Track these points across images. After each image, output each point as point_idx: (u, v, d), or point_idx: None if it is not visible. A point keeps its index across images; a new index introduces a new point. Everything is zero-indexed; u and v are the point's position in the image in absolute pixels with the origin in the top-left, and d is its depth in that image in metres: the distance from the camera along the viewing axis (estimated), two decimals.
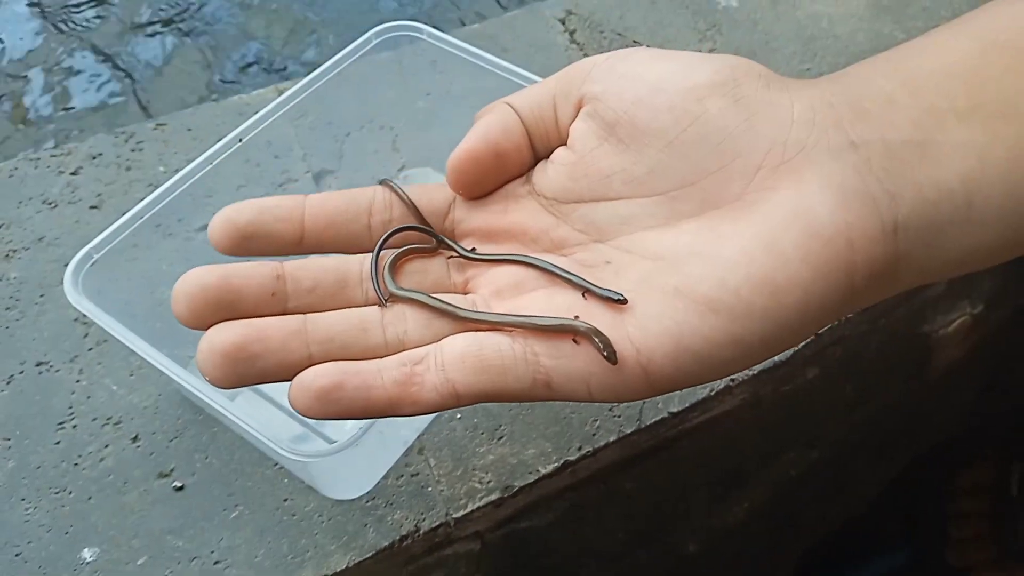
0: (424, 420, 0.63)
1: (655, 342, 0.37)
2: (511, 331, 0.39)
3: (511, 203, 0.45)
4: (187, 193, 0.65)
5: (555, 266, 0.41)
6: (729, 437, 0.73)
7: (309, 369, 0.37)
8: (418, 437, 0.63)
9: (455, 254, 0.44)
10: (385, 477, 0.61)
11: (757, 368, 0.67)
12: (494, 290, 0.42)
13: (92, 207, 0.75)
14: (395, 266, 0.43)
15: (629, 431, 0.64)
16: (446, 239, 0.44)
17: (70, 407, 0.64)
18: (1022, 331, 0.95)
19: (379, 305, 0.41)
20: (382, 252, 0.43)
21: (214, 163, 0.61)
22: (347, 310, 0.40)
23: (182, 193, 0.64)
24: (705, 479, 0.78)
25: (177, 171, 0.60)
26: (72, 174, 0.77)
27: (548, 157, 0.44)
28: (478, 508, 0.60)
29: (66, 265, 0.55)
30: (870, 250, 0.36)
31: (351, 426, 0.53)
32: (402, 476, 0.61)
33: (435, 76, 0.75)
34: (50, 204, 0.75)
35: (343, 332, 0.39)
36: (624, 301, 0.38)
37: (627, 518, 0.74)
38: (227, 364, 0.37)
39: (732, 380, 0.66)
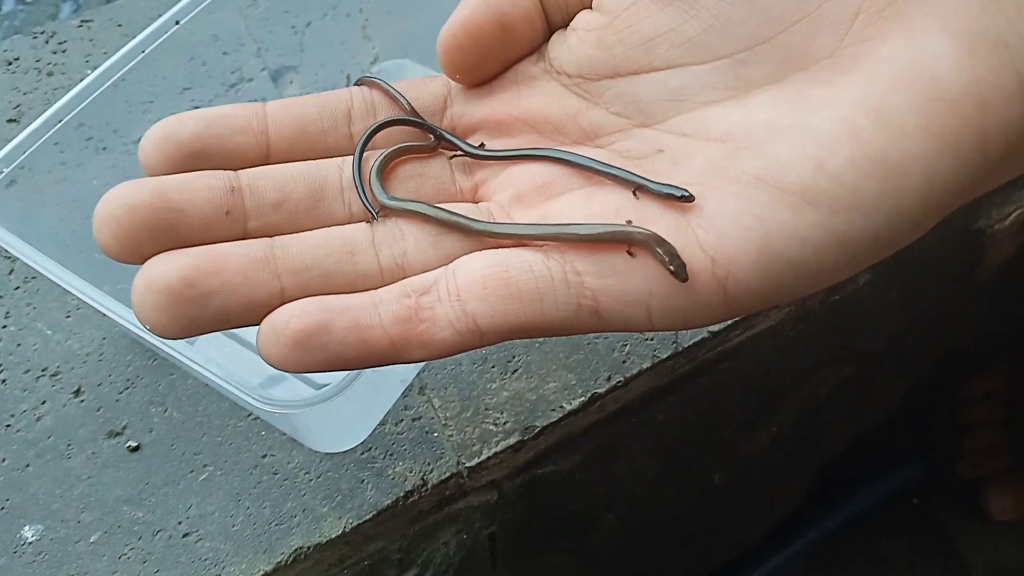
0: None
1: (735, 248, 0.28)
2: (543, 246, 0.29)
3: (523, 87, 0.35)
4: (121, 98, 0.54)
5: (592, 160, 0.31)
6: (768, 357, 0.64)
7: (282, 308, 0.27)
8: (418, 375, 0.53)
9: (460, 152, 0.33)
10: (382, 424, 0.51)
11: None
12: (513, 195, 0.33)
13: (10, 120, 0.63)
14: (385, 170, 0.32)
15: (664, 356, 0.54)
16: (448, 134, 0.34)
17: None
18: None
19: (368, 221, 0.30)
20: (366, 154, 0.32)
21: (146, 51, 0.50)
22: (327, 229, 0.31)
23: (116, 98, 0.53)
24: (738, 404, 0.69)
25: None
26: None
27: (567, 25, 0.34)
28: (494, 454, 0.51)
29: None
30: (1006, 112, 0.27)
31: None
32: (402, 421, 0.52)
33: None
34: None
35: (324, 257, 0.29)
36: (691, 198, 0.28)
37: (656, 453, 0.65)
38: (173, 306, 0.27)
39: None
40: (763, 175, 0.28)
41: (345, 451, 0.50)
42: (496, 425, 0.51)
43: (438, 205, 0.31)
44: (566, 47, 0.34)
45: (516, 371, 0.53)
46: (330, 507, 0.48)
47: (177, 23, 0.51)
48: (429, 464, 0.50)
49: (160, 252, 0.28)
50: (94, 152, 0.57)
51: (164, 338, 0.28)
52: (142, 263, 0.28)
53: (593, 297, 0.28)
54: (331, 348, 0.27)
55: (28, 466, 0.50)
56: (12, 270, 0.57)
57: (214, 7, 0.54)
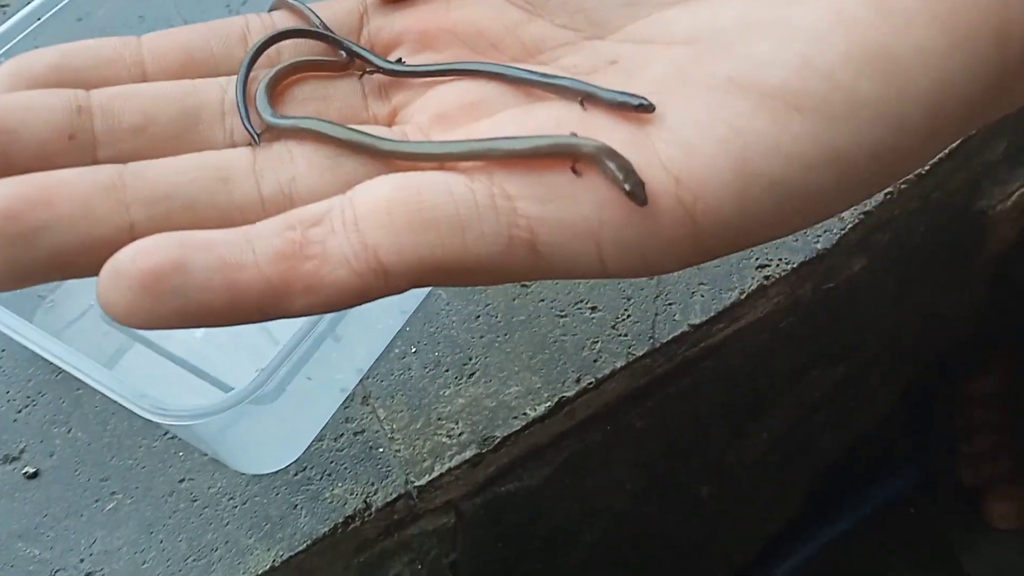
0: (366, 358, 0.47)
1: (704, 166, 0.22)
2: (466, 168, 0.23)
3: None
4: None
5: (532, 72, 0.26)
6: (756, 354, 0.58)
7: (129, 245, 0.21)
8: (360, 382, 0.46)
9: (374, 68, 0.27)
10: (319, 439, 0.45)
11: (797, 260, 0.51)
12: (435, 115, 0.27)
13: None
14: (277, 88, 0.26)
15: (640, 353, 0.48)
16: (358, 46, 0.28)
17: None
18: None
19: (251, 145, 0.24)
20: (255, 73, 0.26)
21: (41, 19, 0.44)
22: (195, 154, 0.24)
23: None
24: (724, 408, 0.63)
25: None
26: None
27: None
28: (448, 471, 0.44)
29: None
30: None
31: (255, 369, 0.37)
32: (342, 436, 0.45)
33: None
34: None
35: (188, 184, 0.23)
36: (650, 107, 0.23)
37: (636, 466, 0.59)
38: None
39: (766, 278, 0.51)
40: (737, 77, 0.23)
41: (275, 472, 0.44)
42: (450, 437, 0.45)
43: (338, 123, 0.25)
44: None
45: (473, 375, 0.47)
46: (257, 538, 0.42)
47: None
48: (373, 484, 0.43)
49: None
50: None
51: None
52: None
53: (528, 227, 0.22)
54: (189, 293, 0.20)
55: None
56: None
57: None
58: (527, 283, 0.49)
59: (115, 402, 0.45)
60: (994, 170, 0.63)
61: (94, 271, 0.21)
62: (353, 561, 0.45)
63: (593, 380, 0.47)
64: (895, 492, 1.17)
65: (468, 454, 0.44)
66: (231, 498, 0.43)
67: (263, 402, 0.41)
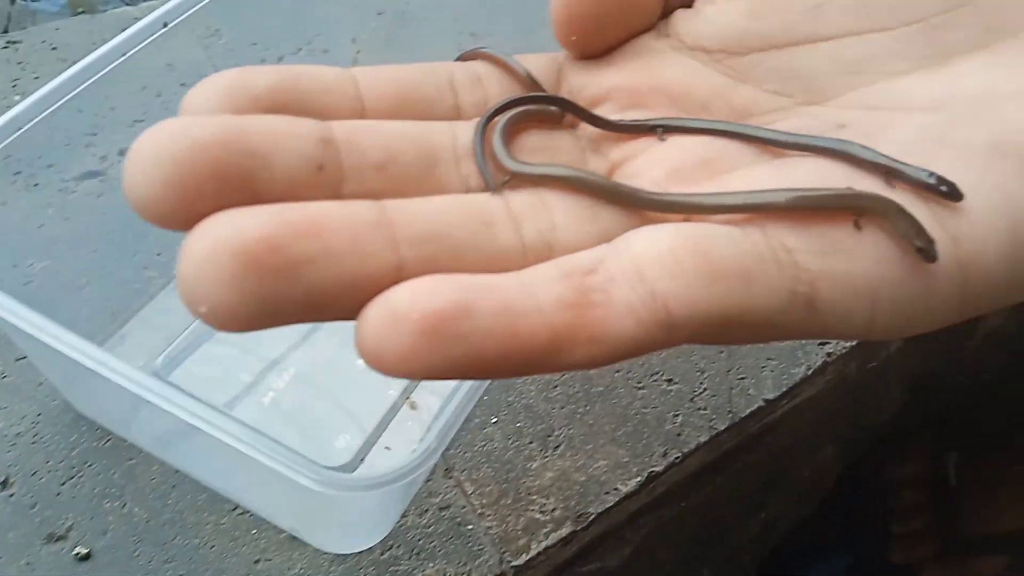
0: (447, 427, 0.44)
1: (982, 226, 0.22)
2: (736, 221, 0.22)
3: (651, 59, 0.28)
4: (60, 128, 0.45)
5: (776, 132, 0.25)
6: (795, 434, 0.58)
7: (401, 285, 0.19)
8: (442, 455, 0.44)
9: (596, 122, 0.26)
10: (403, 515, 0.42)
11: (850, 342, 0.52)
12: (670, 170, 0.25)
13: None
14: (507, 138, 0.25)
15: (722, 427, 0.47)
16: (579, 105, 0.27)
17: None
18: None
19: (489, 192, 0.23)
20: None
21: (86, 83, 0.41)
22: (449, 196, 0.23)
23: (53, 128, 0.44)
24: (750, 486, 0.63)
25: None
26: None
27: (690, 5, 0.29)
28: (544, 549, 0.42)
29: None
30: None
31: (349, 435, 0.34)
32: (427, 511, 0.42)
33: None
34: None
35: (453, 227, 0.21)
36: (958, 195, 0.22)
37: (675, 544, 0.58)
38: (247, 278, 0.18)
39: (828, 355, 0.51)
40: (999, 141, 0.22)
41: (361, 552, 0.40)
42: (543, 513, 0.43)
43: (592, 173, 0.24)
44: (702, 19, 0.28)
45: (558, 447, 0.45)
46: None
47: (124, 55, 0.43)
48: (466, 564, 0.41)
49: (223, 208, 0.20)
50: (23, 189, 0.47)
51: (220, 329, 0.19)
52: (191, 224, 0.19)
53: (810, 282, 0.21)
54: (472, 340, 0.19)
55: None
56: None
57: (169, 36, 0.47)
58: None
59: (175, 472, 0.41)
60: None
61: (351, 313, 0.19)
62: None
63: (680, 454, 0.46)
64: (828, 574, 1.19)
65: (564, 531, 0.42)
66: None
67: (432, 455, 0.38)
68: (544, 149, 0.26)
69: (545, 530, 0.42)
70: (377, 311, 0.18)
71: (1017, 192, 0.22)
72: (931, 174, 0.22)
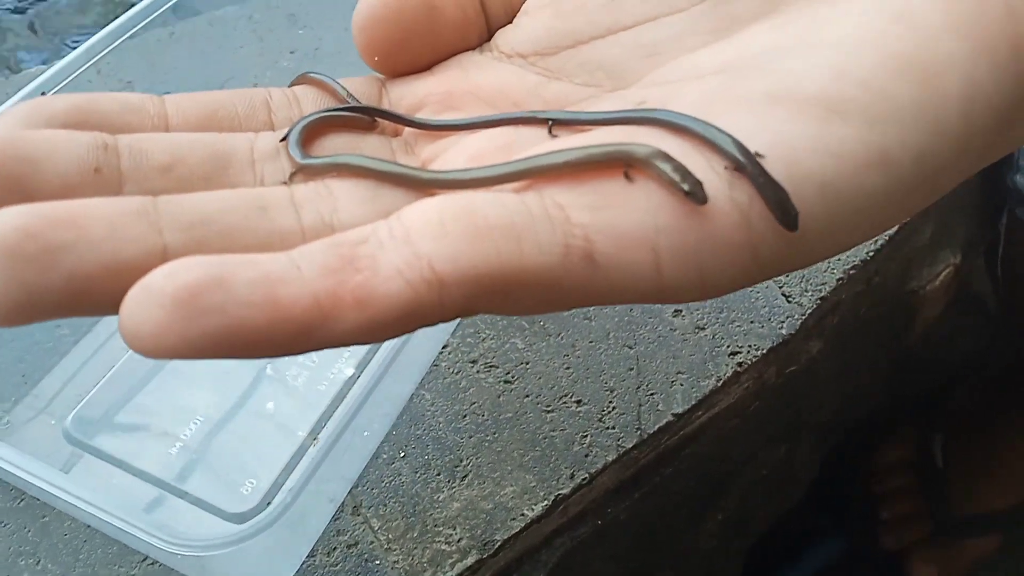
0: (355, 466, 0.46)
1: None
2: (513, 188, 0.23)
3: (470, 69, 0.30)
4: None
5: (567, 112, 0.26)
6: (725, 439, 0.59)
7: (161, 266, 0.19)
8: (350, 492, 0.45)
9: (404, 124, 0.28)
10: (310, 555, 0.43)
11: (766, 346, 0.53)
12: (471, 156, 0.27)
13: None
14: (306, 139, 0.26)
15: (630, 445, 0.48)
16: (390, 110, 0.28)
17: None
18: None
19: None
20: None
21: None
22: (229, 190, 0.23)
23: None
24: (690, 495, 0.63)
25: None
26: None
27: (510, 21, 0.31)
28: None
29: None
30: None
31: (255, 479, 0.35)
32: (335, 550, 0.43)
33: (296, 32, 0.60)
34: None
35: (225, 211, 0.22)
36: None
37: (612, 559, 0.58)
38: (9, 264, 0.19)
39: (739, 364, 0.52)
40: (775, 91, 0.23)
41: None
42: (449, 543, 0.44)
43: (374, 157, 0.25)
44: (517, 30, 0.30)
45: (466, 476, 0.46)
46: None
47: (43, 93, 0.44)
48: None
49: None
50: None
51: None
52: None
53: (584, 235, 0.21)
54: (230, 311, 0.19)
55: None
56: None
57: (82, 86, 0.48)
58: (512, 377, 0.49)
59: (87, 527, 0.42)
60: (922, 254, 0.68)
61: (115, 301, 0.19)
62: None
63: (587, 475, 0.47)
64: (821, 562, 1.19)
65: (470, 560, 0.43)
66: None
67: (249, 518, 0.39)
68: (352, 150, 0.28)
69: (451, 560, 0.43)
70: (134, 291, 0.19)
71: (794, 133, 0.22)
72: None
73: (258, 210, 0.22)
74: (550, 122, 0.25)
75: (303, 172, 0.24)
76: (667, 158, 0.22)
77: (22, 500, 0.43)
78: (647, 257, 0.22)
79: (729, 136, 0.22)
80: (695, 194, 0.21)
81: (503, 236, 0.21)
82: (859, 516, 1.22)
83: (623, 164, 0.22)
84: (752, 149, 0.22)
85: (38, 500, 0.43)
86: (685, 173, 0.21)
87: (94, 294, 0.20)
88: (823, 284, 0.56)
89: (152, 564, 0.42)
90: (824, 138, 0.22)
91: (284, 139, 0.26)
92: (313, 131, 0.26)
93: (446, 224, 0.21)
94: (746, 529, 0.92)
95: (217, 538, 0.32)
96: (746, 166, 0.22)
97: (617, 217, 0.22)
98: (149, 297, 0.19)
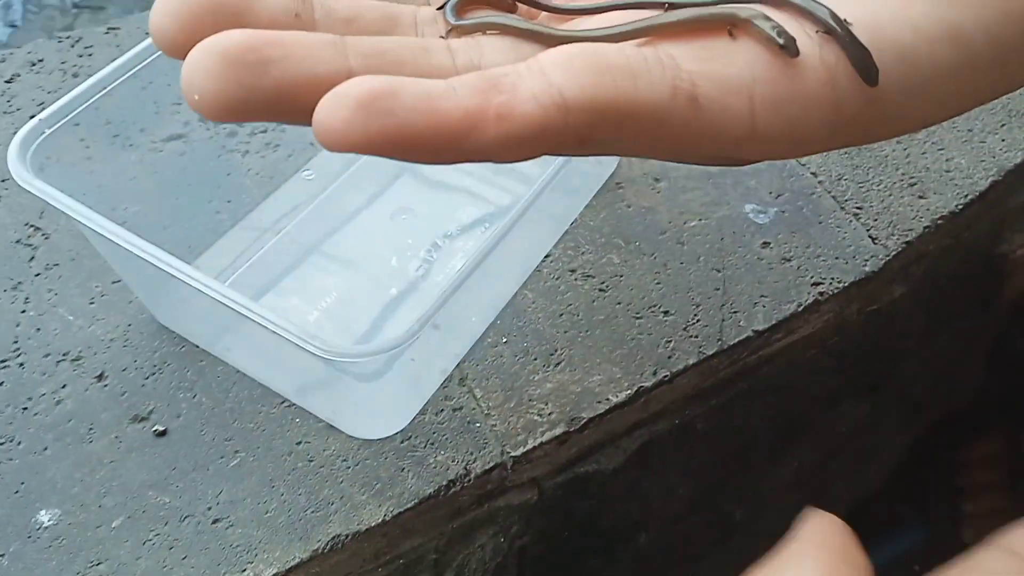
0: (463, 345, 0.52)
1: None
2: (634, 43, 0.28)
3: None
4: (149, 99, 0.54)
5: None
6: (803, 369, 0.62)
7: (348, 80, 0.25)
8: (458, 365, 0.51)
9: (539, 8, 0.32)
10: (422, 412, 0.49)
11: (848, 280, 0.57)
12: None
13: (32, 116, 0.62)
14: (461, 10, 0.31)
15: (710, 352, 0.53)
16: None
17: (15, 341, 0.51)
18: None
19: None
20: None
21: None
22: (401, 36, 0.29)
23: (144, 99, 0.53)
24: (769, 426, 0.67)
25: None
26: (7, 82, 0.64)
27: None
28: (539, 445, 0.48)
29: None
30: None
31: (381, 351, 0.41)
32: (442, 411, 0.49)
33: None
34: None
35: (397, 47, 0.27)
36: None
37: (688, 473, 0.63)
38: (228, 71, 0.25)
39: (821, 294, 0.56)
40: None
41: (384, 439, 0.48)
42: (540, 416, 0.49)
43: (513, 17, 0.30)
44: None
45: (559, 364, 0.51)
46: (369, 495, 0.46)
47: None
48: (472, 453, 0.48)
49: None
50: (120, 148, 0.56)
51: (210, 117, 0.25)
52: None
53: (691, 80, 0.26)
54: (399, 114, 0.24)
55: (46, 449, 0.47)
56: (33, 257, 0.54)
57: None
58: (606, 287, 0.54)
59: (236, 372, 0.49)
60: (1015, 215, 0.70)
61: (307, 110, 0.24)
62: (448, 526, 0.49)
63: (668, 373, 0.52)
64: (899, 549, 1.20)
65: (558, 431, 0.49)
66: (344, 460, 0.47)
67: (374, 378, 0.46)
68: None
69: (542, 428, 0.49)
70: (327, 96, 0.24)
71: (877, 6, 0.27)
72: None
73: (423, 50, 0.28)
74: (666, 3, 0.30)
75: (456, 31, 0.30)
76: (766, 18, 0.26)
77: (183, 346, 0.51)
78: (744, 103, 0.26)
79: (823, 5, 0.27)
80: (788, 47, 0.25)
81: (622, 74, 0.25)
82: (942, 507, 1.22)
83: (728, 24, 0.27)
84: (842, 17, 0.26)
85: (197, 347, 0.51)
86: (781, 30, 0.26)
87: (292, 100, 0.26)
88: (910, 230, 0.59)
89: (289, 406, 0.49)
90: (906, 11, 0.26)
91: (441, 7, 0.31)
92: (462, 8, 0.32)
93: (575, 62, 0.26)
94: (825, 495, 0.94)
95: (369, 349, 0.38)
96: (835, 29, 0.26)
97: (720, 67, 0.26)
98: (338, 100, 0.24)
